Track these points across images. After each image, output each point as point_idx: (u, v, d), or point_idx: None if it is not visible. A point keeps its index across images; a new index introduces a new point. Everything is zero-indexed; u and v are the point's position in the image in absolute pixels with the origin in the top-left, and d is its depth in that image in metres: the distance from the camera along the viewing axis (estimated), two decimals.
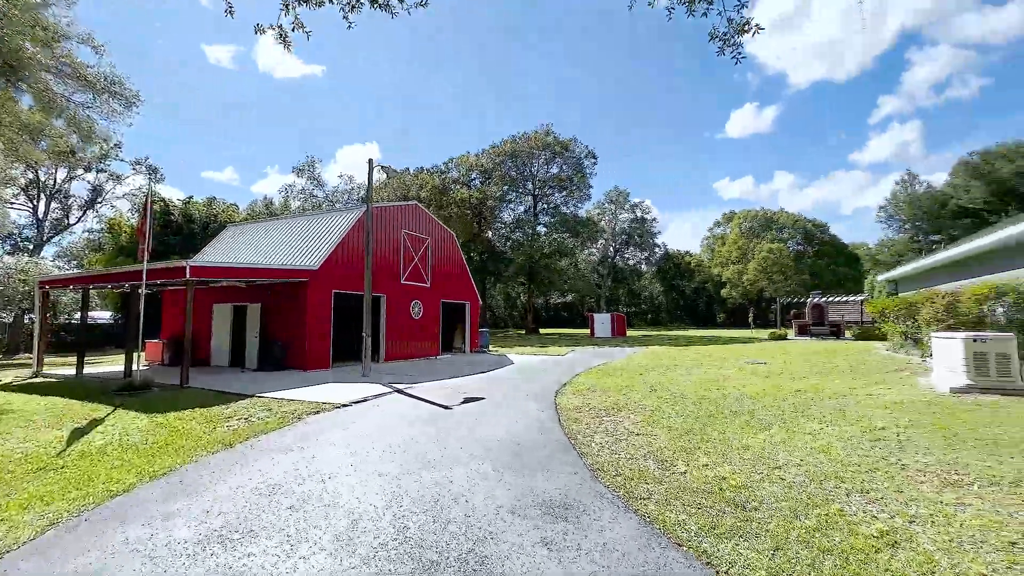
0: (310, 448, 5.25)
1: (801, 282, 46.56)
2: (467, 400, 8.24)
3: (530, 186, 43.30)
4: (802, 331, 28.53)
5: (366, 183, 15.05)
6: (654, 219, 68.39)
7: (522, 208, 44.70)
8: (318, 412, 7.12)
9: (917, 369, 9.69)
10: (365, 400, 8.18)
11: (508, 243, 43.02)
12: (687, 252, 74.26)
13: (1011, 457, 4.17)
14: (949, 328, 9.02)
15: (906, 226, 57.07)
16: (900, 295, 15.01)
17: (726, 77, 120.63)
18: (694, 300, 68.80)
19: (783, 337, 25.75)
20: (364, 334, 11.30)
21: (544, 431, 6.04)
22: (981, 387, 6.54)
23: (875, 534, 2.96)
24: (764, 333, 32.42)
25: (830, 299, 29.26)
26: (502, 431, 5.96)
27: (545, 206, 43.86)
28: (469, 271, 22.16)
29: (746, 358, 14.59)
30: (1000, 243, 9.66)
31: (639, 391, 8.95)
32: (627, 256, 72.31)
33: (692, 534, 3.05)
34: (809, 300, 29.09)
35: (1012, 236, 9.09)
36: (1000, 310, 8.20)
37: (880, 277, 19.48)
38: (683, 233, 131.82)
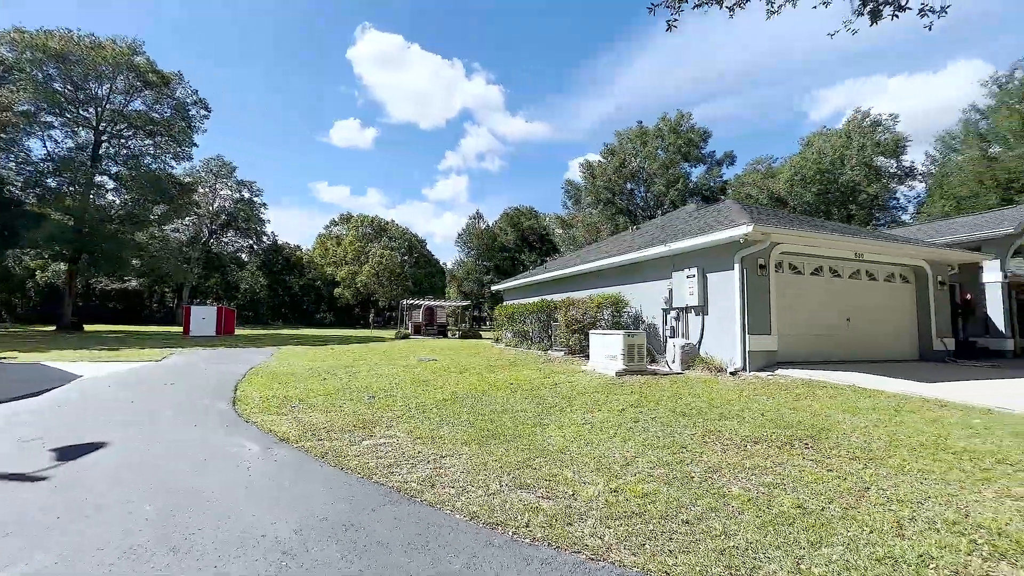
0: None
1: (405, 288, 52.56)
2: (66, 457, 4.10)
3: (92, 114, 29.36)
4: (417, 331, 31.89)
5: None
6: (264, 204, 61.32)
7: (71, 143, 29.71)
8: None
9: (554, 358, 12.27)
10: None
11: (36, 188, 27.49)
12: (298, 247, 70.29)
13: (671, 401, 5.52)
14: (572, 327, 11.88)
15: (471, 252, 75.32)
16: (515, 302, 18.85)
17: (338, 86, 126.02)
18: (301, 297, 65.50)
19: (407, 336, 27.93)
20: None
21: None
22: (631, 370, 8.74)
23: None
24: (388, 333, 34.29)
25: (438, 303, 34.19)
26: None
27: (117, 150, 30.76)
28: None
29: (416, 356, 14.60)
30: (577, 272, 13.70)
31: (394, 404, 7.11)
32: (225, 240, 61.30)
33: None
34: (423, 303, 32.95)
35: (590, 267, 13.04)
36: (607, 313, 11.43)
37: (493, 288, 24.23)
38: (286, 226, 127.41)
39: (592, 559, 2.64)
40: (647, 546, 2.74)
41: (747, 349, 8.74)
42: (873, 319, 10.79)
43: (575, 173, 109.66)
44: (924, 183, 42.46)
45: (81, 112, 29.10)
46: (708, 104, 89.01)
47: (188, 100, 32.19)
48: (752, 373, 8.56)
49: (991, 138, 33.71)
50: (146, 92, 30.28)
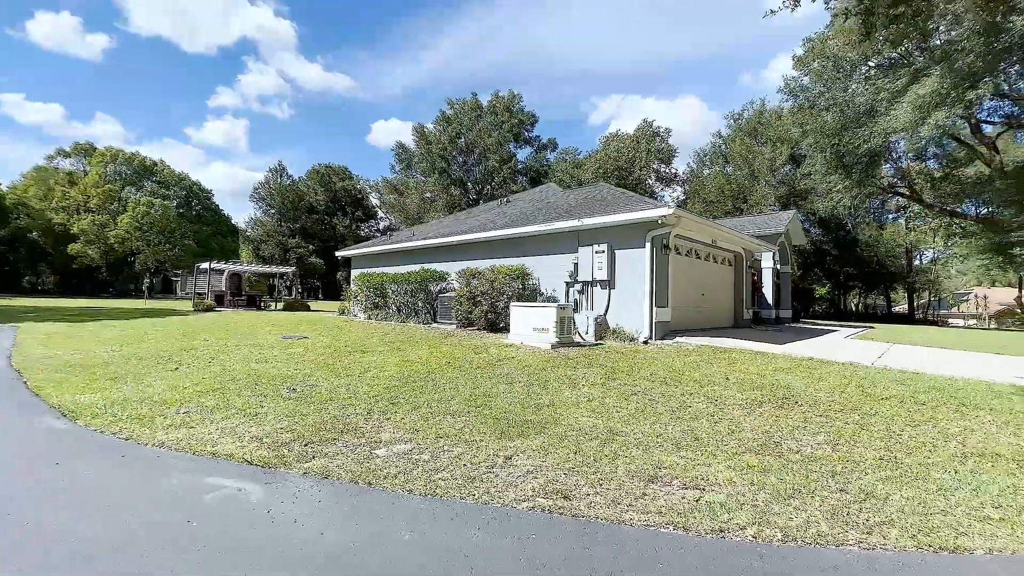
0: None
1: (186, 248, 42.10)
2: None
3: None
4: (219, 301, 26.05)
5: None
6: None
7: None
8: None
9: (449, 332, 11.45)
10: None
11: None
12: None
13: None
14: (477, 300, 11.35)
15: (271, 209, 64.80)
16: (378, 271, 17.00)
17: None
18: (2, 254, 46.07)
19: (211, 308, 22.41)
20: None
21: None
22: (563, 342, 8.76)
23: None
24: (167, 304, 26.80)
25: (247, 268, 28.35)
26: None
27: None
28: None
29: (267, 332, 11.72)
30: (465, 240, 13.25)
31: (334, 397, 5.39)
32: None
33: None
34: (227, 269, 26.94)
35: (485, 236, 12.72)
36: (516, 285, 11.23)
37: (338, 254, 21.19)
38: None
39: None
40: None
41: (653, 320, 9.70)
42: (714, 295, 13.28)
43: (379, 137, 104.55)
44: (682, 187, 54.09)
45: None
46: (507, 88, 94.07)
47: None
48: (658, 342, 9.57)
49: (729, 159, 44.99)
50: None
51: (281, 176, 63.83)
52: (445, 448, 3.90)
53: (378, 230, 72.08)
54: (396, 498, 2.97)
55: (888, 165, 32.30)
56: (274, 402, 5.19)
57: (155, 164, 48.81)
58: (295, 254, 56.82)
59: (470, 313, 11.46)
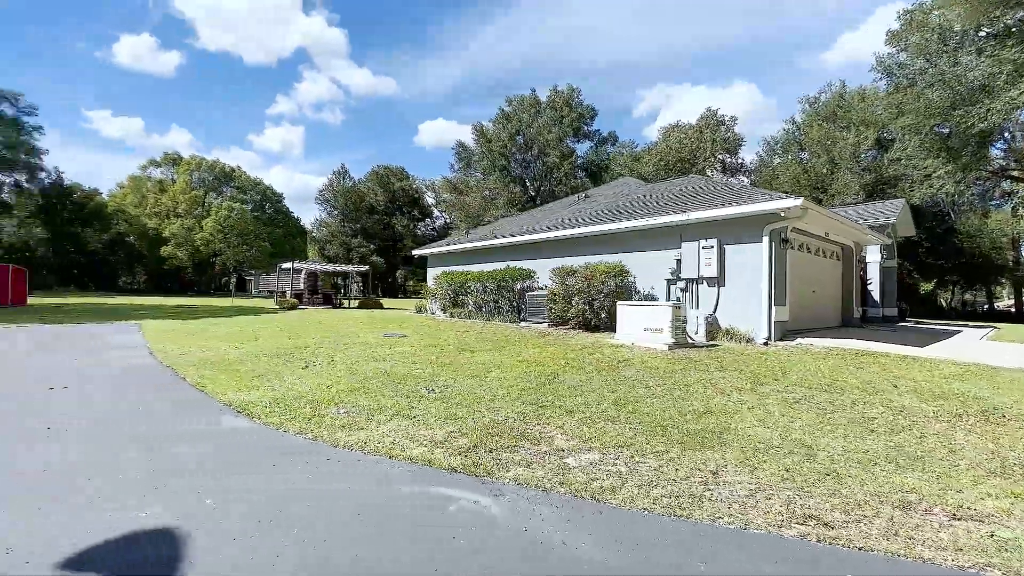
0: None
1: (261, 248, 44.73)
2: None
3: None
4: (298, 299, 27.34)
5: None
6: (39, 128, 45.41)
7: None
8: None
9: (543, 331, 11.25)
10: None
11: None
12: (95, 190, 54.05)
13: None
14: (578, 297, 11.06)
15: (335, 211, 67.61)
16: (458, 269, 17.12)
17: None
18: (104, 257, 50.88)
19: (294, 306, 23.56)
20: None
21: None
22: (680, 343, 8.31)
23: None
24: (246, 302, 28.51)
25: (324, 267, 29.61)
26: None
27: None
28: None
29: (365, 331, 12.03)
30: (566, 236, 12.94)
31: (479, 399, 5.34)
32: None
33: None
34: (305, 268, 28.25)
35: (582, 232, 12.37)
36: (613, 283, 10.85)
37: (415, 252, 21.64)
38: (74, 161, 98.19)
39: None
40: None
41: (772, 320, 9.03)
42: (824, 292, 12.29)
43: (426, 138, 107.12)
44: (749, 179, 51.25)
45: None
46: (547, 83, 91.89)
47: None
48: (779, 343, 8.89)
49: (805, 146, 42.09)
50: None
51: (344, 178, 66.42)
52: (634, 459, 3.64)
53: (433, 229, 73.54)
54: (636, 517, 2.72)
55: (999, 145, 28.85)
56: (422, 403, 5.14)
57: (233, 170, 52.23)
58: (357, 253, 59.01)
59: (565, 312, 11.20)
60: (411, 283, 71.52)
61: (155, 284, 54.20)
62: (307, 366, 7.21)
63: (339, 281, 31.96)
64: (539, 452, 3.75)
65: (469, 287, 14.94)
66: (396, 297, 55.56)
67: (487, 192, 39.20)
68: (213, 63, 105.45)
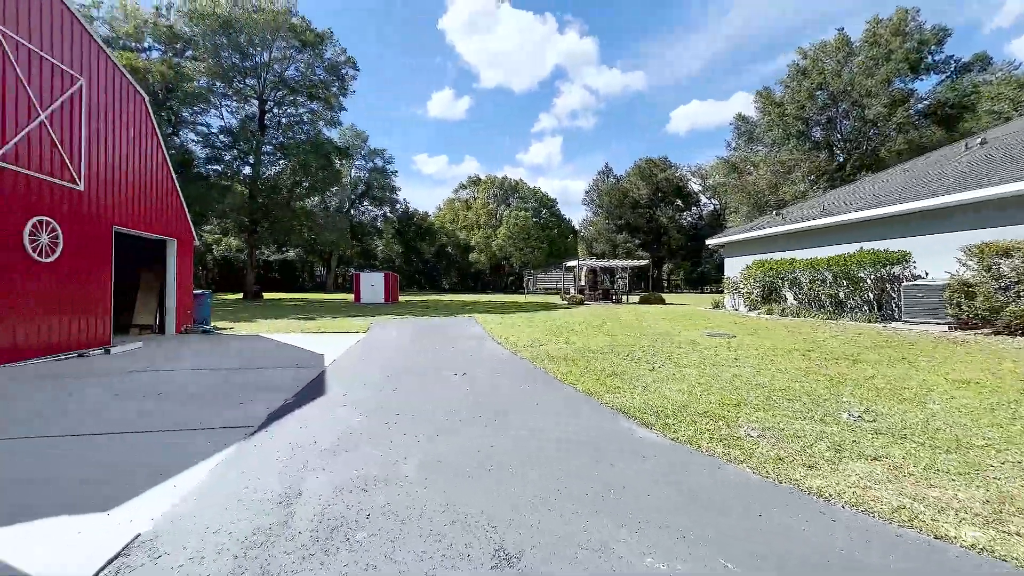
0: None
1: (540, 250, 49.84)
2: None
3: (253, 84, 29.69)
4: (581, 295, 28.66)
5: None
6: (395, 171, 62.00)
7: (241, 115, 30.56)
8: None
9: (944, 336, 7.85)
10: None
11: (219, 165, 28.75)
12: (426, 213, 71.04)
13: None
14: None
15: (600, 209, 70.07)
16: (777, 256, 14.40)
17: (433, 58, 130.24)
18: (434, 264, 66.45)
19: (582, 302, 24.83)
20: None
21: None
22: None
23: None
24: (532, 298, 31.74)
25: (601, 263, 30.50)
26: None
27: (277, 119, 31.14)
28: (176, 181, 11.27)
29: (702, 330, 11.07)
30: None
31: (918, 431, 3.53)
32: (362, 209, 63.62)
33: None
34: (586, 265, 29.52)
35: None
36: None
37: (709, 242, 19.87)
38: (410, 193, 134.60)
39: None
40: None
41: None
42: None
43: (678, 123, 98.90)
44: None
45: (247, 82, 29.56)
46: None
47: (339, 59, 31.37)
48: None
49: None
50: (302, 54, 29.86)
51: (608, 176, 68.20)
52: None
53: (700, 218, 67.96)
54: None
55: None
56: (863, 436, 3.56)
57: (516, 183, 60.35)
58: (623, 249, 59.51)
59: (997, 309, 7.48)
60: (676, 277, 68.24)
61: (463, 284, 67.66)
62: (653, 369, 6.50)
63: (606, 277, 32.45)
64: None
65: (793, 278, 12.09)
66: (660, 291, 53.51)
67: (777, 166, 33.03)
68: (491, 98, 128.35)
